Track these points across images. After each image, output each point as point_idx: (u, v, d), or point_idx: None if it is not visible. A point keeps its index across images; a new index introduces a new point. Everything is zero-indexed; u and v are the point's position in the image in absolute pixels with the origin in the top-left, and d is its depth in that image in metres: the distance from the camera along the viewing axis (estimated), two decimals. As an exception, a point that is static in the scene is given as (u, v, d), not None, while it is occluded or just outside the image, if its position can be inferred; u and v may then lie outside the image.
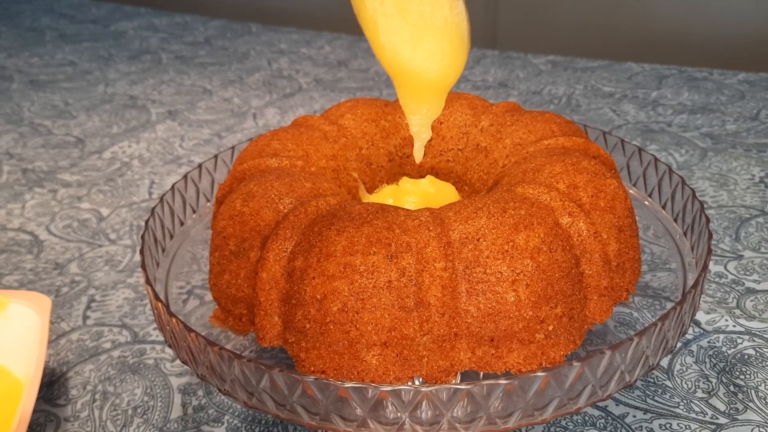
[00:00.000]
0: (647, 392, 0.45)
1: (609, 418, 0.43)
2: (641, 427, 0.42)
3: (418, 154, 0.45)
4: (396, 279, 0.37)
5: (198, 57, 1.17)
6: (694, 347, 0.48)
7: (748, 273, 0.55)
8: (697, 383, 0.45)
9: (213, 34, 1.29)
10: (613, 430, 0.42)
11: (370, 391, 0.34)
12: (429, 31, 0.38)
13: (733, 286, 0.53)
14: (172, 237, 0.51)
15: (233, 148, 0.57)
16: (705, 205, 0.63)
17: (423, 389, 0.34)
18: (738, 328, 0.49)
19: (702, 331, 0.49)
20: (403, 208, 0.41)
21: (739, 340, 0.48)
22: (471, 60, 1.06)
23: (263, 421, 0.44)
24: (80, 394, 0.48)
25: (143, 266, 0.43)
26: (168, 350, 0.51)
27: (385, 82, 1.00)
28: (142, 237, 0.46)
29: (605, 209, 0.42)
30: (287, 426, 0.44)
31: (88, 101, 1.00)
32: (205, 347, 0.37)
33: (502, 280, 0.37)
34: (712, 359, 0.47)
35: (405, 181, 0.50)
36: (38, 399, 0.47)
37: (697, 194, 0.52)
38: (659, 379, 0.46)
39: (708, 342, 0.48)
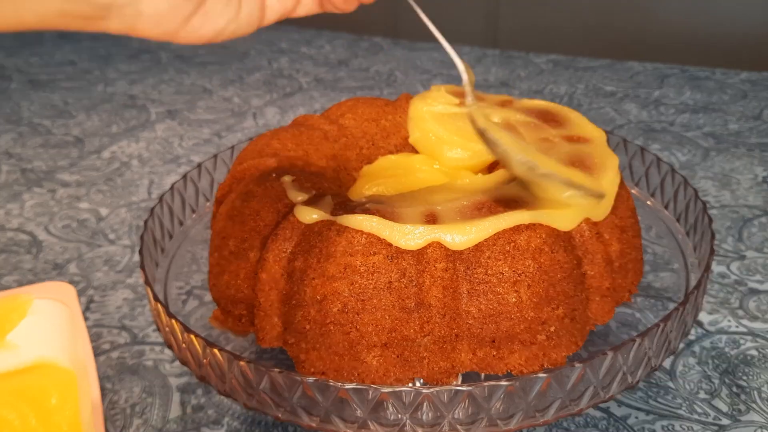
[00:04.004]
0: (649, 393, 0.45)
1: (611, 419, 0.43)
2: (643, 428, 0.42)
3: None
4: (396, 280, 0.37)
5: (198, 56, 1.17)
6: (696, 348, 0.48)
7: (750, 273, 0.54)
8: (699, 384, 0.45)
9: (213, 34, 1.29)
10: (615, 431, 0.42)
11: (370, 393, 0.34)
12: None
13: (736, 286, 0.53)
14: (171, 237, 0.51)
15: (233, 147, 0.56)
16: (707, 205, 0.62)
17: (424, 390, 0.34)
18: (741, 329, 0.49)
19: (704, 332, 0.49)
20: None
21: (741, 341, 0.48)
22: (472, 59, 1.06)
23: (263, 423, 0.44)
24: (79, 395, 0.47)
25: (142, 266, 0.43)
26: (167, 351, 0.51)
27: (386, 81, 1.00)
28: (142, 237, 0.46)
29: (607, 209, 0.42)
30: (287, 427, 0.44)
31: (87, 101, 1.00)
32: (204, 348, 0.37)
33: (503, 280, 0.37)
34: (715, 360, 0.47)
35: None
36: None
37: (699, 194, 0.51)
38: (661, 380, 0.45)
39: (711, 343, 0.48)
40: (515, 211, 0.38)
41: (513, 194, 0.40)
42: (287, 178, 0.44)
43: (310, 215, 0.40)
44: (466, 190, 0.42)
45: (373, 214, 0.39)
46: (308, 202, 0.41)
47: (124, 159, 0.81)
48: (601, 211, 0.41)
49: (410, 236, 0.37)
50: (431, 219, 0.39)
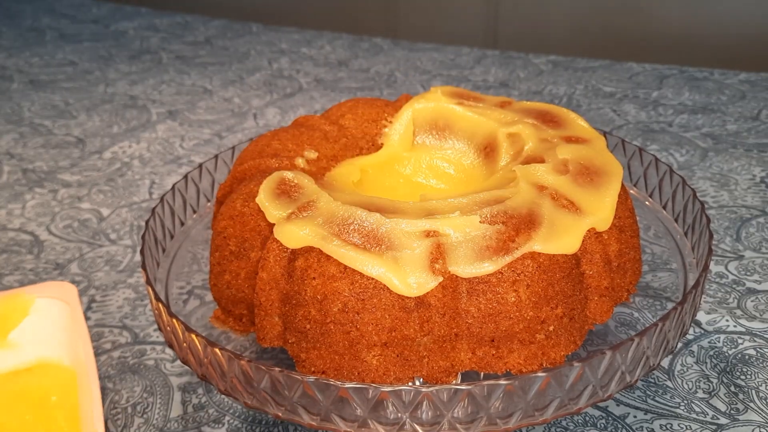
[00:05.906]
0: (648, 392, 0.45)
1: (609, 418, 0.43)
2: (642, 427, 0.42)
3: None
4: (396, 279, 0.37)
5: (198, 57, 1.17)
6: (694, 347, 0.48)
7: (748, 273, 0.55)
8: (697, 383, 0.45)
9: (213, 34, 1.29)
10: (613, 430, 0.42)
11: (370, 392, 0.34)
12: None
13: (734, 286, 0.53)
14: (172, 237, 0.51)
15: (233, 148, 0.57)
16: (706, 206, 0.63)
17: (423, 389, 0.34)
18: (739, 329, 0.49)
19: (703, 332, 0.49)
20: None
21: (739, 341, 0.48)
22: (471, 60, 1.06)
23: (263, 422, 0.44)
24: (80, 394, 0.48)
25: (144, 266, 0.43)
26: (168, 351, 0.51)
27: (386, 81, 1.00)
28: (143, 237, 0.46)
29: (606, 209, 0.42)
30: (288, 426, 0.44)
31: (88, 101, 1.00)
32: (205, 348, 0.37)
33: (502, 280, 0.37)
34: (713, 359, 0.47)
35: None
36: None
37: (697, 194, 0.51)
38: (660, 380, 0.46)
39: (709, 342, 0.48)
40: (527, 246, 0.38)
41: (522, 204, 0.40)
42: None
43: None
44: (467, 202, 0.41)
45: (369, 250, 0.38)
46: None
47: (125, 159, 0.81)
48: (605, 222, 0.41)
49: (415, 288, 0.37)
50: (436, 248, 0.38)
